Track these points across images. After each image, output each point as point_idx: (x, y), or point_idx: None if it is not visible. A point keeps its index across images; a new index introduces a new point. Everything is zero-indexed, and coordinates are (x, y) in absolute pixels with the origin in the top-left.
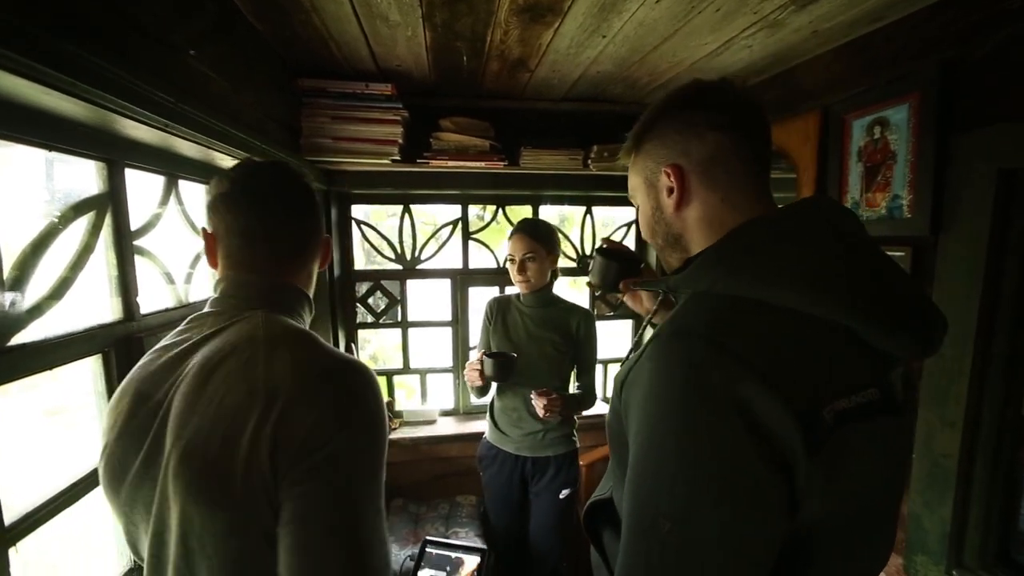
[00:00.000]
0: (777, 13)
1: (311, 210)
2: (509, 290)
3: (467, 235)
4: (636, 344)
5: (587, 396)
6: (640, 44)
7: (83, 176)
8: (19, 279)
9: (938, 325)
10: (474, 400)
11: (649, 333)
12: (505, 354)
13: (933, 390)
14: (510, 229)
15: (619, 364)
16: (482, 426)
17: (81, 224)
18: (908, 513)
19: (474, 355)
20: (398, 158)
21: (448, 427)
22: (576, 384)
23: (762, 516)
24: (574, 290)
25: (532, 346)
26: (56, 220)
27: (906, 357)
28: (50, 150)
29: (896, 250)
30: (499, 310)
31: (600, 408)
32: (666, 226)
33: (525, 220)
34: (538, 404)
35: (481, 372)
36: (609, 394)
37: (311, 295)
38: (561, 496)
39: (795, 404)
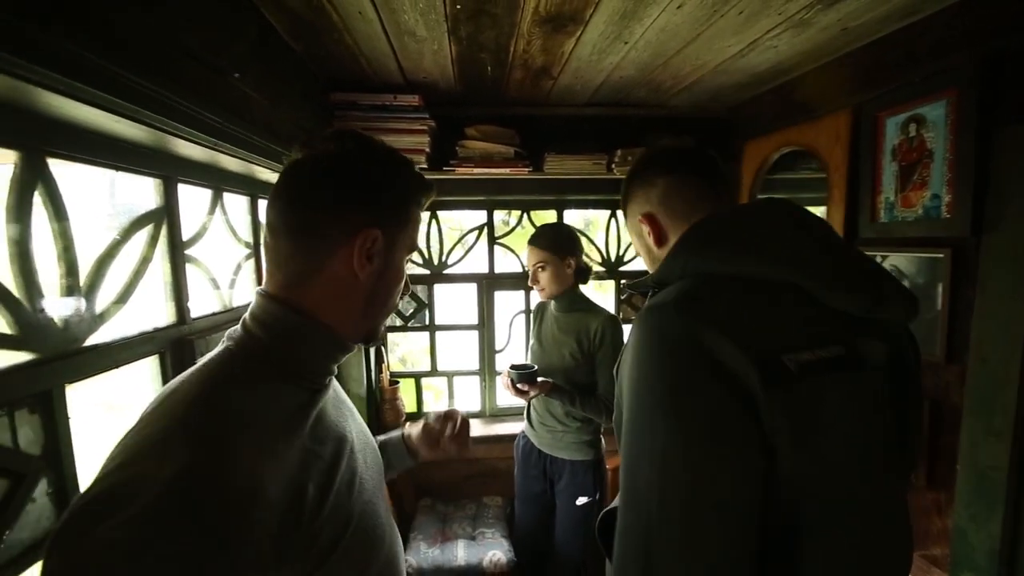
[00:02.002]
0: (803, 13)
1: (326, 191)
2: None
3: (492, 240)
4: None
5: (602, 400)
6: (663, 49)
7: (137, 192)
8: (91, 287)
9: (888, 281)
10: (463, 397)
11: None
12: (526, 365)
13: (979, 398)
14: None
15: None
16: (508, 428)
17: (142, 236)
18: (954, 527)
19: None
20: (425, 166)
21: (475, 429)
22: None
23: (732, 451)
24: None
25: (554, 351)
26: (120, 234)
27: (866, 315)
28: (117, 170)
29: (934, 252)
30: (539, 314)
31: None
32: (654, 259)
33: (537, 230)
34: (507, 384)
35: (512, 383)
36: None
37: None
38: (578, 503)
39: (753, 349)
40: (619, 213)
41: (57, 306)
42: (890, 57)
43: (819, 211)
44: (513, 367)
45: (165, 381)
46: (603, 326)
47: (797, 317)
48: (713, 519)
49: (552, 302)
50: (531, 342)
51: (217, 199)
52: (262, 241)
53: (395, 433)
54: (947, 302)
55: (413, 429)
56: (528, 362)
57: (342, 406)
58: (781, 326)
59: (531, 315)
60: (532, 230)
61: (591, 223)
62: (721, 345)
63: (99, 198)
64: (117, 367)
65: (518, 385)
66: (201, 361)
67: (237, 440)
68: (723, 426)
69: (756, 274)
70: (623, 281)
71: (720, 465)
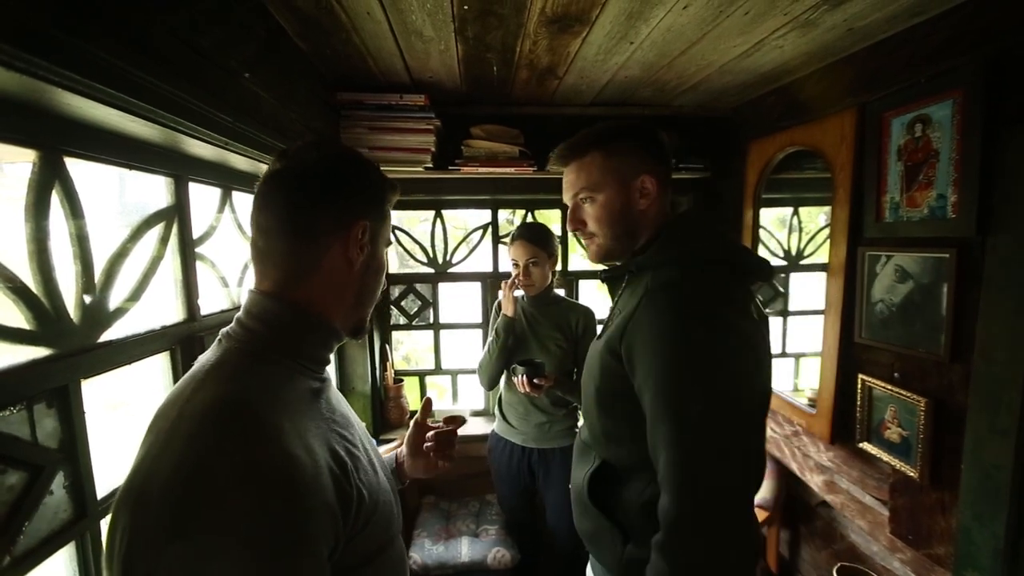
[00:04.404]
0: (809, 13)
1: (314, 187)
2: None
3: (497, 239)
4: (607, 323)
5: (576, 382)
6: (668, 49)
7: (147, 190)
8: (105, 284)
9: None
10: (484, 389)
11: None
12: (531, 361)
13: (983, 397)
14: (510, 234)
15: None
16: None
17: (153, 234)
18: (958, 526)
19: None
20: (431, 165)
21: (479, 427)
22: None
23: (753, 390)
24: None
25: (536, 344)
26: (133, 232)
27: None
28: (130, 168)
29: (939, 252)
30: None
31: None
32: (630, 220)
33: (525, 226)
34: (520, 383)
35: (529, 379)
36: None
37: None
38: (571, 485)
39: (748, 317)
40: None
41: (73, 303)
42: (896, 57)
43: (823, 211)
44: (522, 363)
45: (176, 377)
46: (584, 318)
47: (745, 288)
48: (758, 447)
49: (525, 299)
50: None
51: (226, 198)
52: (251, 243)
53: (390, 453)
54: (952, 302)
55: (403, 447)
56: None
57: (340, 397)
58: (746, 295)
59: (496, 312)
60: None
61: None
62: (736, 316)
63: (111, 197)
64: (130, 363)
65: (535, 380)
66: (204, 361)
67: (283, 423)
68: (755, 364)
69: (721, 257)
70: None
71: (755, 391)
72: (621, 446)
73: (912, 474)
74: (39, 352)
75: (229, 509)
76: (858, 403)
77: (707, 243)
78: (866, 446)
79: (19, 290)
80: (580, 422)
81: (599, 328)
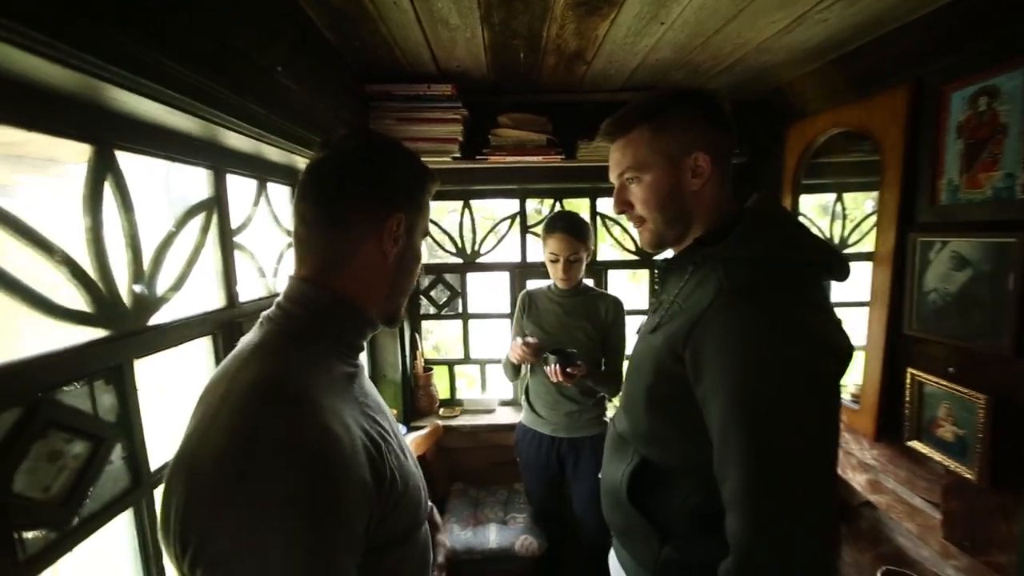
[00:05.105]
0: None
1: (350, 176)
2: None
3: (525, 229)
4: (664, 314)
5: (613, 376)
6: (701, 28)
7: (190, 183)
8: (153, 272)
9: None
10: (500, 384)
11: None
12: (563, 349)
13: None
14: (546, 225)
15: None
16: None
17: (195, 224)
18: (1021, 532)
19: (508, 342)
20: (458, 155)
21: (507, 416)
22: (604, 366)
23: (838, 407)
24: (633, 283)
25: (564, 334)
26: (177, 223)
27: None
28: (172, 160)
29: (1004, 237)
30: (531, 301)
31: None
32: (681, 202)
33: (565, 219)
34: (553, 371)
35: (562, 368)
36: None
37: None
38: (599, 476)
39: (835, 324)
40: None
41: (125, 288)
42: (957, 24)
43: (871, 196)
44: (555, 352)
45: (217, 360)
46: (613, 307)
47: (823, 290)
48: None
49: (551, 288)
50: (525, 330)
51: (261, 189)
52: (293, 231)
53: None
54: (1018, 291)
55: None
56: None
57: (371, 385)
58: (826, 298)
59: (522, 303)
60: None
61: None
62: (823, 325)
63: (158, 190)
64: (176, 345)
65: (568, 369)
66: (247, 341)
67: (322, 400)
68: (838, 404)
69: (797, 258)
70: (657, 270)
71: (836, 426)
72: (668, 448)
73: (969, 476)
74: (97, 333)
75: (273, 479)
76: (907, 399)
77: (791, 239)
78: (915, 444)
79: (80, 276)
80: (610, 412)
81: (644, 319)
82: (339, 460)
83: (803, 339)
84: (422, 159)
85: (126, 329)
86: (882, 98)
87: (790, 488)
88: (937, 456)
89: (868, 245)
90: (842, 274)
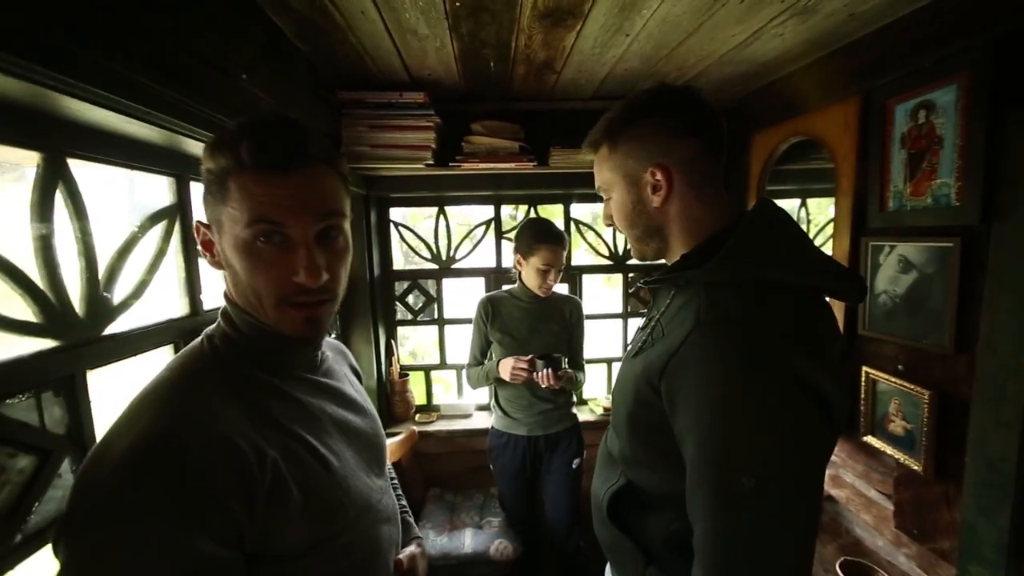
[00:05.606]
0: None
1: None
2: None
3: (500, 234)
4: (647, 338)
5: (579, 373)
6: (665, 40)
7: (155, 191)
8: (109, 280)
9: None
10: (471, 389)
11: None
12: (550, 355)
13: (988, 388)
14: (534, 235)
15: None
16: None
17: (156, 232)
18: (962, 520)
19: (467, 358)
20: (432, 162)
21: (483, 421)
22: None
23: (821, 459)
24: (608, 287)
25: (534, 337)
26: (137, 229)
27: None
28: (132, 169)
29: (943, 241)
30: (494, 309)
31: None
32: (647, 219)
33: (554, 230)
34: (544, 376)
35: (528, 371)
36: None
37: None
38: (573, 466)
39: (826, 363)
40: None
41: (79, 297)
42: (900, 42)
43: (828, 202)
44: (542, 358)
45: None
46: (576, 309)
47: (825, 318)
48: (814, 528)
49: (514, 293)
50: (492, 339)
51: None
52: None
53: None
54: (956, 291)
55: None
56: (524, 354)
57: (333, 391)
58: (829, 331)
59: (483, 311)
60: None
61: (598, 217)
62: (810, 367)
63: (119, 197)
64: (135, 355)
65: (559, 372)
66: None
67: (194, 408)
68: (819, 440)
69: (795, 282)
70: (631, 275)
71: (816, 472)
72: (651, 474)
73: (916, 468)
74: (45, 343)
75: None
76: (862, 396)
77: (788, 259)
78: (870, 439)
79: (25, 285)
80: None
81: (620, 321)
82: (182, 471)
83: (783, 389)
84: (395, 166)
85: (78, 339)
86: (835, 110)
87: (750, 557)
88: (889, 450)
89: (830, 249)
90: (852, 296)
